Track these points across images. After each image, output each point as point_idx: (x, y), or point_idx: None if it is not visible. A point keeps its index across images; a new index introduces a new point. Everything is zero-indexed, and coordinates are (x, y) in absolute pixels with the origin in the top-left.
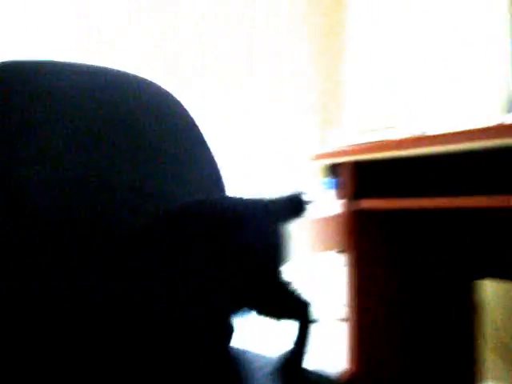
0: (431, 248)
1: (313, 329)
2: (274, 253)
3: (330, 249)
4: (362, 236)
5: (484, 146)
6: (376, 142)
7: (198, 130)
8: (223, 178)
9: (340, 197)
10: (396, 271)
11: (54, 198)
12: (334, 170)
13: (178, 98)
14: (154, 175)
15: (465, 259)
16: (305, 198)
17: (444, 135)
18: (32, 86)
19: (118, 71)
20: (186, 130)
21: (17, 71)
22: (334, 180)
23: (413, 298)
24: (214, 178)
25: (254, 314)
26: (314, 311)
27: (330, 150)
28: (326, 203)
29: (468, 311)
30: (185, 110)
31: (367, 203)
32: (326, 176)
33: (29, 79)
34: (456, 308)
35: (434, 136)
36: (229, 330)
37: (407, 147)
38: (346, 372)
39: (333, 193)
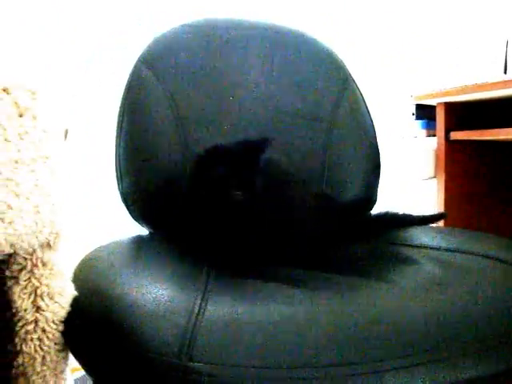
0: (505, 174)
1: None
2: None
3: (424, 177)
4: (451, 162)
5: None
6: (463, 85)
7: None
8: None
9: (429, 135)
10: (477, 190)
11: None
12: (420, 112)
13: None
14: None
15: None
16: None
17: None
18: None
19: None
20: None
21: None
22: (423, 121)
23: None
24: None
25: None
26: None
27: (427, 92)
28: (420, 140)
29: None
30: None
31: (455, 135)
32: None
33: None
34: None
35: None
36: None
37: (487, 89)
38: None
39: (423, 132)
